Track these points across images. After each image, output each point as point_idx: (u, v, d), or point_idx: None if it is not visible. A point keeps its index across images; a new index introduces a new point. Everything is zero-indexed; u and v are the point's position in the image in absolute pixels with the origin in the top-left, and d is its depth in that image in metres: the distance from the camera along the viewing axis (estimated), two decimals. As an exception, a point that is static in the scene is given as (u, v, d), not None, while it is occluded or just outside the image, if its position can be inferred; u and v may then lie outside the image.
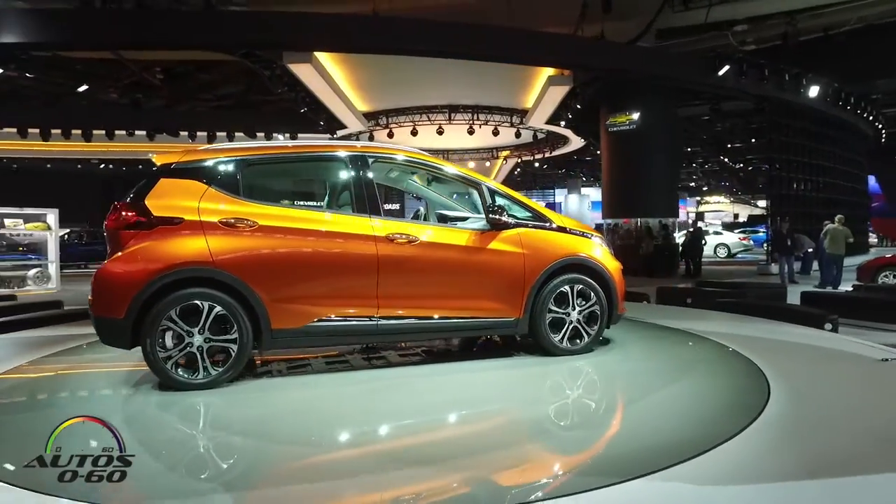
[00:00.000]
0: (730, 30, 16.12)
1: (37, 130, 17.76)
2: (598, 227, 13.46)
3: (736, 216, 44.68)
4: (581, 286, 4.23)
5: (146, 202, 3.49)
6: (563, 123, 18.78)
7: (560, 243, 4.22)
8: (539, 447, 2.74)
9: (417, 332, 3.95)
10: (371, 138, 22.41)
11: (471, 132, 20.62)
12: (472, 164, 28.84)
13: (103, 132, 18.51)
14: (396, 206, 25.67)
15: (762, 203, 33.52)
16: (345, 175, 3.91)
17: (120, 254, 3.43)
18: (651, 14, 14.27)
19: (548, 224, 4.26)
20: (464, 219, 4.30)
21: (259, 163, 3.82)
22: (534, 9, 13.98)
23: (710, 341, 4.70)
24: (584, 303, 4.25)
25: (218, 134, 20.23)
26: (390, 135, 21.30)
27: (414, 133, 20.78)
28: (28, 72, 15.69)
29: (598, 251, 4.36)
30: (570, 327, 4.20)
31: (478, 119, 20.36)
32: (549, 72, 15.58)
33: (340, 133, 21.21)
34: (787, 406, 2.98)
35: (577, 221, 4.64)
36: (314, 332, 3.67)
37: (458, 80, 17.26)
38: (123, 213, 3.47)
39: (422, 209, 5.05)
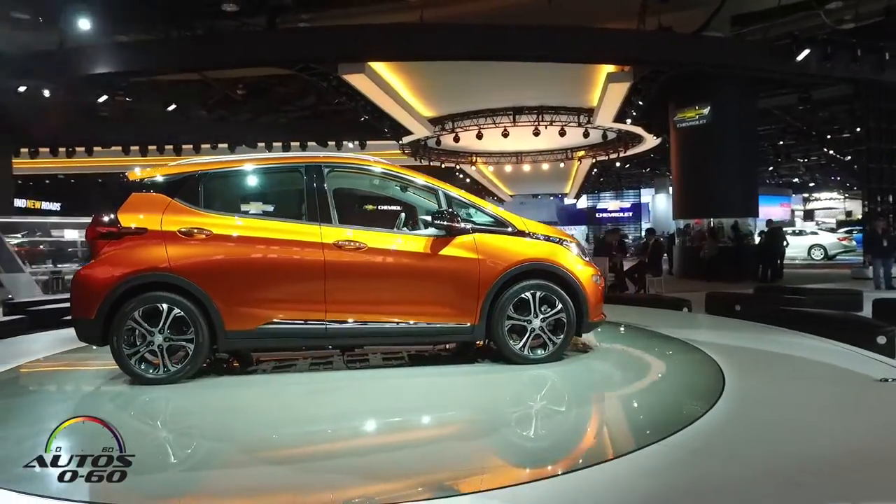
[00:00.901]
0: (821, 9, 14.68)
1: (136, 147, 19.83)
2: (650, 231, 12.72)
3: (849, 213, 40.37)
4: (544, 292, 4.09)
5: (118, 214, 3.85)
6: (629, 121, 17.99)
7: (518, 248, 4.11)
8: (406, 455, 2.70)
9: (367, 336, 4.01)
10: (438, 143, 22.74)
11: (536, 134, 20.26)
12: (546, 167, 28.38)
13: (191, 147, 20.26)
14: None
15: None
16: (300, 185, 4.05)
17: (93, 261, 3.81)
18: (718, 2, 13.35)
19: (508, 228, 4.17)
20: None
21: (218, 176, 4.07)
22: (590, 5, 13.58)
23: (699, 353, 4.36)
24: (549, 310, 4.11)
25: (292, 144, 21.43)
26: (456, 139, 21.47)
27: (479, 136, 20.78)
28: (128, 96, 17.56)
29: (566, 256, 4.20)
30: (533, 335, 4.09)
31: (543, 120, 19.98)
32: (609, 69, 15.00)
33: (406, 139, 21.70)
34: (713, 428, 2.73)
35: (548, 226, 4.49)
36: (266, 335, 3.86)
37: (520, 81, 17.05)
38: (97, 225, 3.85)
39: (403, 215, 5.11)
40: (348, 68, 13.67)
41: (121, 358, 3.71)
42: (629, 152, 24.26)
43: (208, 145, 20.41)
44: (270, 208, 4.39)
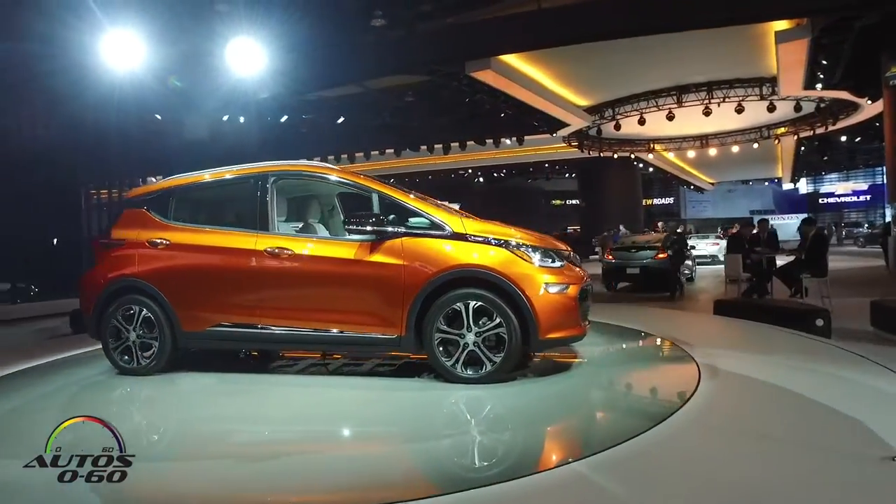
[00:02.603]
0: None
1: (318, 157, 22.52)
2: (808, 221, 9.94)
3: None
4: (479, 303, 3.63)
5: (112, 228, 4.48)
6: (819, 87, 14.67)
7: (448, 253, 3.70)
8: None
9: (297, 342, 4.00)
10: (599, 133, 21.43)
11: (706, 113, 17.78)
12: (736, 149, 24.77)
13: (361, 154, 22.29)
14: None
15: None
16: (248, 194, 4.20)
17: (92, 268, 4.49)
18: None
19: (443, 231, 3.77)
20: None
21: (182, 190, 4.43)
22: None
23: (687, 384, 3.45)
24: (488, 322, 3.64)
25: (452, 144, 22.16)
26: (617, 127, 20.00)
27: (641, 122, 19.02)
28: (303, 114, 20.06)
29: (506, 261, 3.65)
30: (467, 351, 3.66)
31: (713, 97, 17.43)
32: (780, 25, 12.43)
33: (563, 132, 20.84)
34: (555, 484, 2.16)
35: (506, 227, 3.95)
36: (214, 336, 4.11)
37: (680, 56, 15.14)
38: (97, 238, 4.53)
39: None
40: (474, 65, 13.68)
41: (106, 350, 4.30)
42: (841, 124, 19.84)
43: (377, 152, 22.24)
44: (229, 218, 4.58)
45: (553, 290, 3.68)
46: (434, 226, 3.81)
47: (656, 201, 43.19)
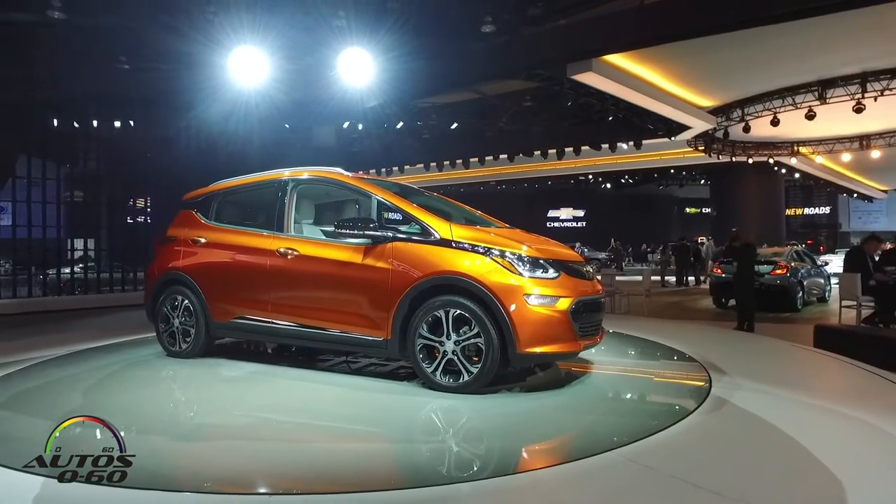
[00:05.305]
0: None
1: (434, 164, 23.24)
2: None
3: None
4: (458, 311, 3.59)
5: (168, 227, 5.08)
6: None
7: (432, 259, 3.69)
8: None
9: (300, 338, 4.21)
10: (726, 135, 19.56)
11: (858, 110, 15.40)
12: (905, 150, 21.16)
13: (476, 160, 22.54)
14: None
15: None
16: (272, 198, 4.52)
17: (151, 263, 5.12)
18: None
19: (431, 237, 3.78)
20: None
21: (222, 193, 4.88)
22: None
23: (680, 409, 3.11)
24: (467, 331, 3.58)
25: (566, 150, 21.58)
26: (746, 129, 18.10)
27: (774, 123, 17.02)
28: (418, 120, 20.75)
29: (487, 269, 3.55)
30: (446, 359, 3.63)
31: (867, 91, 15.03)
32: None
33: (684, 135, 19.34)
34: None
35: (501, 234, 3.84)
36: (236, 328, 4.51)
37: (823, 45, 13.27)
38: (158, 236, 5.16)
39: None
40: (575, 68, 13.25)
41: (157, 334, 4.90)
42: None
43: (490, 157, 22.38)
44: (255, 219, 4.94)
45: (537, 302, 3.53)
46: (423, 231, 3.83)
47: (807, 211, 38.20)
